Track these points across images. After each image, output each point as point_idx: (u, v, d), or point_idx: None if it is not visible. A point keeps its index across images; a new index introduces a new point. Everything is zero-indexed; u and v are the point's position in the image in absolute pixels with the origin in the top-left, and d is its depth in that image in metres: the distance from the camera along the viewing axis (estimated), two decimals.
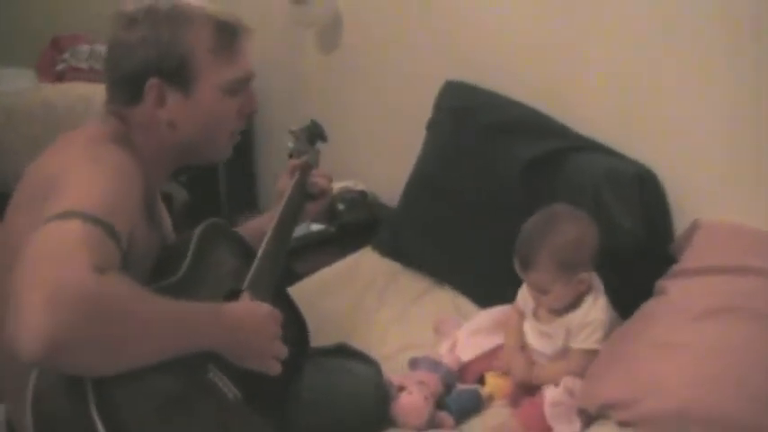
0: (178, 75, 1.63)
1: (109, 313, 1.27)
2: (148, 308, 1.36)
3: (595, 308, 1.99)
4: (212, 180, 3.29)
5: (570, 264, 1.96)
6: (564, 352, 2.02)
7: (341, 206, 2.92)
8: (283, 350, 1.62)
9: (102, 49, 3.34)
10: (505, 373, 2.08)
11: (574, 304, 2.01)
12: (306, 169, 2.03)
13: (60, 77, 3.33)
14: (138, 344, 1.33)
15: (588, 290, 2.01)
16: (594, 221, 2.01)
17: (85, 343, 1.24)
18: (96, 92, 3.10)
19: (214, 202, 3.28)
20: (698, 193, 2.20)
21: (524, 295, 2.12)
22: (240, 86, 1.73)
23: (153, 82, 1.62)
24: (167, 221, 1.87)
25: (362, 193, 3.02)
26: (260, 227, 1.96)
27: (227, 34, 1.69)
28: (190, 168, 1.85)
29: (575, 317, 2.00)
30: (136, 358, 1.33)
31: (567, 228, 1.98)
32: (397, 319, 2.37)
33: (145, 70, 1.62)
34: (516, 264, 2.00)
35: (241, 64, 1.72)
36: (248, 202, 3.56)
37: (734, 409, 1.66)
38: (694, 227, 2.13)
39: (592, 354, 1.97)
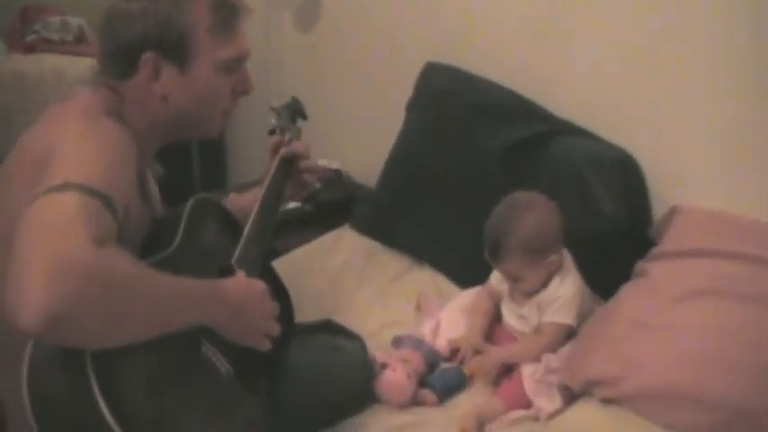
0: (175, 50, 1.61)
1: (109, 286, 1.27)
2: (148, 281, 1.36)
3: (564, 284, 2.03)
4: (185, 155, 3.27)
5: (537, 249, 1.99)
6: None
7: (317, 185, 2.91)
8: (276, 328, 1.63)
9: (73, 21, 3.31)
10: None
11: (544, 284, 2.05)
12: (288, 144, 2.02)
13: (31, 49, 3.27)
14: (137, 317, 1.33)
15: (557, 268, 2.05)
16: (552, 200, 2.05)
17: (85, 315, 1.24)
18: (68, 64, 3.09)
19: (186, 178, 3.27)
20: (676, 179, 2.24)
21: (498, 276, 2.15)
22: (236, 65, 1.71)
23: (149, 56, 1.60)
24: (156, 195, 1.86)
25: (338, 172, 3.02)
26: (244, 203, 1.96)
27: (227, 13, 1.67)
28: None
29: (545, 294, 2.04)
30: (135, 331, 1.33)
31: (527, 216, 2.01)
32: (378, 298, 2.39)
33: (142, 43, 1.60)
34: (486, 255, 2.04)
35: (238, 43, 1.70)
36: (219, 178, 3.55)
37: (716, 387, 1.71)
38: (673, 212, 2.17)
39: (563, 328, 2.01)
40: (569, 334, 2.02)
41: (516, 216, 2.02)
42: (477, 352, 2.07)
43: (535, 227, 1.99)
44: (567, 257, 2.08)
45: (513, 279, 2.05)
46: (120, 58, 1.62)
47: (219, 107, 1.74)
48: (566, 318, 2.02)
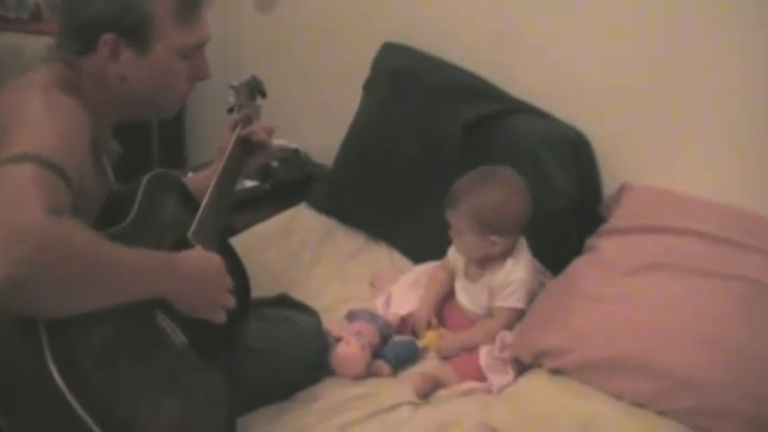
0: (135, 33, 1.61)
1: (64, 254, 1.28)
2: (102, 251, 1.37)
3: (517, 269, 2.07)
4: (144, 134, 3.26)
5: (487, 224, 2.03)
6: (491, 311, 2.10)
7: (275, 163, 2.92)
8: (231, 301, 1.65)
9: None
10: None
11: (496, 266, 2.08)
12: (246, 122, 2.04)
13: None
14: (91, 285, 1.34)
15: (510, 252, 2.08)
16: (531, 194, 2.07)
17: (39, 282, 1.25)
18: (25, 42, 3.07)
19: (145, 157, 3.26)
20: (626, 158, 2.30)
21: (455, 252, 2.19)
22: (195, 51, 1.72)
23: (108, 37, 1.59)
24: (110, 172, 1.87)
25: (296, 152, 3.03)
26: (202, 180, 1.97)
27: None
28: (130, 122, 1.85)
29: (496, 277, 2.08)
30: (90, 300, 1.34)
31: (497, 190, 2.05)
32: (334, 274, 2.41)
33: (102, 24, 1.59)
34: (445, 200, 2.07)
35: (200, 29, 1.70)
36: (179, 157, 3.54)
37: (660, 356, 1.75)
38: (623, 189, 2.23)
39: (515, 312, 2.05)
40: (520, 316, 2.05)
41: (487, 184, 2.06)
42: (428, 326, 2.12)
43: (495, 203, 2.03)
44: (522, 244, 2.11)
45: (454, 232, 2.09)
46: (79, 37, 1.62)
47: (176, 91, 1.75)
48: (517, 302, 2.06)
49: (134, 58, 1.63)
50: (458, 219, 2.06)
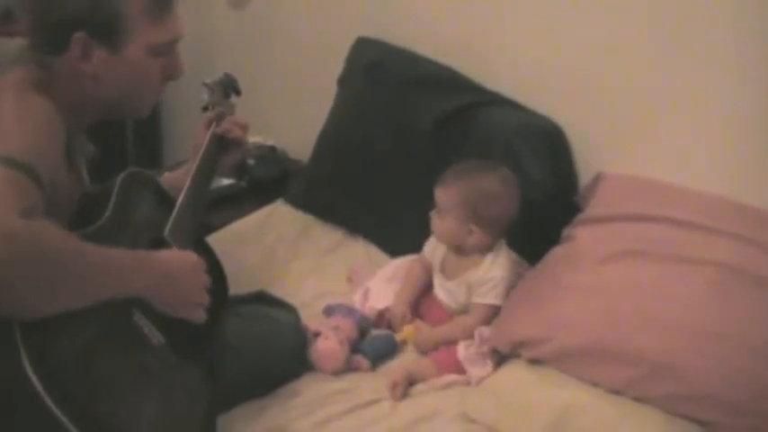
0: (107, 32, 1.61)
1: (36, 255, 1.28)
2: (76, 251, 1.37)
3: (495, 266, 2.08)
4: (120, 135, 3.25)
5: (472, 209, 2.04)
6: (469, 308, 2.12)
7: (251, 161, 2.92)
8: (208, 299, 1.65)
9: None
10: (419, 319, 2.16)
11: (472, 262, 2.10)
12: (221, 119, 2.03)
13: None
14: (66, 286, 1.34)
15: (487, 250, 2.09)
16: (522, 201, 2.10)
17: (13, 284, 1.25)
18: None
19: (121, 158, 3.25)
20: (601, 147, 2.31)
21: (432, 248, 2.20)
22: (168, 49, 1.71)
23: (79, 36, 1.58)
24: (85, 173, 1.86)
25: (272, 149, 3.03)
26: (177, 178, 1.97)
27: None
28: (101, 123, 1.84)
29: (475, 274, 2.09)
30: (65, 301, 1.35)
31: (495, 183, 2.06)
32: (312, 270, 2.41)
33: (73, 23, 1.58)
34: (440, 177, 2.09)
35: (172, 27, 1.70)
36: (154, 157, 3.53)
37: (636, 343, 1.76)
38: (598, 179, 2.24)
39: (492, 309, 2.05)
40: (497, 313, 2.05)
41: (487, 174, 2.07)
42: (403, 320, 2.12)
43: (488, 193, 2.05)
44: (501, 240, 2.13)
45: (437, 210, 2.09)
46: (50, 37, 1.61)
47: (149, 89, 1.75)
48: (495, 299, 2.06)
49: (106, 57, 1.63)
50: (447, 197, 2.07)
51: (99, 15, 1.59)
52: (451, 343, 2.02)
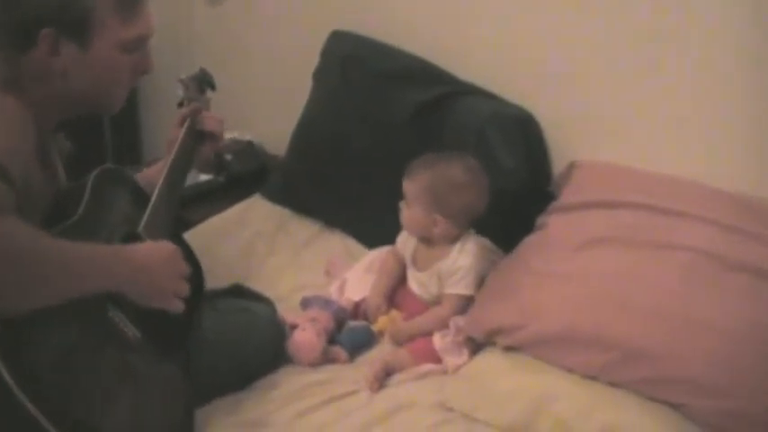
0: (76, 28, 1.60)
1: (9, 253, 1.29)
2: (50, 248, 1.37)
3: (462, 255, 2.09)
4: (97, 132, 3.24)
5: (436, 199, 2.05)
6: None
7: (229, 156, 2.91)
8: (186, 288, 1.65)
9: None
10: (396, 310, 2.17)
11: (442, 253, 2.10)
12: (196, 114, 2.03)
13: None
14: (38, 284, 1.35)
15: (455, 240, 2.10)
16: (491, 190, 2.10)
17: None
18: None
19: (99, 154, 3.25)
20: (574, 136, 2.32)
21: (403, 240, 2.21)
22: (139, 45, 1.70)
23: (47, 32, 1.57)
24: (60, 170, 1.86)
25: (249, 143, 3.02)
26: (153, 174, 1.97)
27: None
28: (77, 119, 1.84)
29: (443, 264, 2.09)
30: (38, 298, 1.35)
31: (459, 173, 2.07)
32: (289, 263, 2.42)
33: (41, 19, 1.57)
34: (407, 168, 2.10)
35: (143, 23, 1.69)
36: (133, 153, 3.52)
37: (610, 328, 1.78)
38: (572, 167, 2.26)
39: (464, 299, 2.07)
40: (470, 302, 2.06)
41: (452, 164, 2.08)
42: (380, 311, 2.13)
43: (453, 182, 2.05)
44: (470, 230, 2.14)
45: (405, 201, 2.11)
46: (18, 33, 1.60)
47: (120, 85, 1.74)
48: (465, 289, 2.07)
49: (75, 53, 1.62)
50: (412, 187, 2.08)
51: (67, 11, 1.58)
52: (427, 334, 2.03)
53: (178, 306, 1.64)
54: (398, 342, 2.07)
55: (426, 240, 2.13)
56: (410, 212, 2.10)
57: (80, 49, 1.62)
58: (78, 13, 1.59)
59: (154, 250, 1.61)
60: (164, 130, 3.24)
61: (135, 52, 1.71)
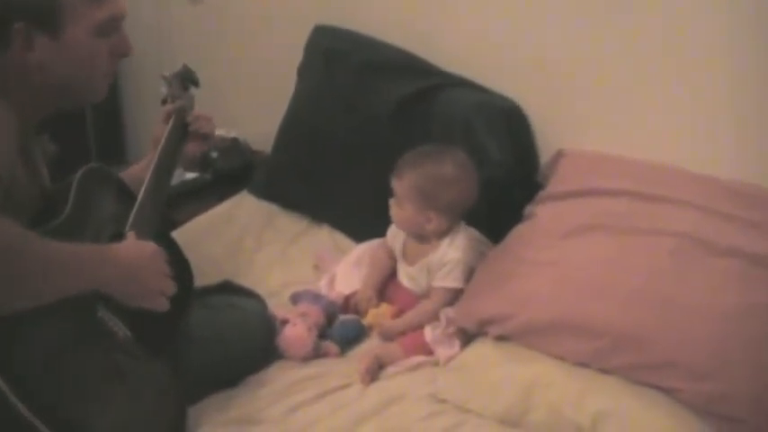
0: (46, 18, 1.58)
1: None
2: (35, 247, 1.37)
3: (452, 248, 2.09)
4: (80, 131, 3.23)
5: (427, 196, 2.05)
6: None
7: (214, 154, 2.91)
8: (171, 286, 1.65)
9: None
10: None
11: (432, 247, 2.11)
12: (181, 111, 2.02)
13: None
14: (24, 284, 1.34)
15: (445, 233, 2.10)
16: (479, 181, 2.10)
17: None
18: None
19: (83, 154, 3.23)
20: (561, 125, 2.33)
21: (393, 234, 2.21)
22: (111, 27, 1.68)
23: (19, 26, 1.56)
24: (44, 171, 1.85)
25: (235, 140, 3.02)
26: (138, 172, 1.96)
27: None
28: (59, 117, 1.82)
29: (433, 258, 2.10)
30: (24, 299, 1.34)
31: (448, 168, 2.07)
32: (278, 259, 2.42)
33: (9, 14, 1.56)
34: (395, 166, 2.09)
35: (111, 3, 1.67)
36: (117, 152, 3.51)
37: (598, 315, 1.78)
38: (558, 156, 2.27)
39: (452, 292, 2.07)
40: (459, 295, 2.06)
41: (440, 159, 2.07)
42: (371, 304, 2.13)
43: (442, 179, 2.05)
44: (461, 226, 2.14)
45: (395, 200, 2.11)
46: None
47: (99, 71, 1.71)
48: (454, 282, 2.07)
49: (49, 44, 1.60)
50: (403, 187, 2.07)
51: (35, 3, 1.57)
52: (417, 328, 2.04)
53: (163, 304, 1.63)
54: (388, 338, 2.06)
55: (417, 235, 2.13)
56: (402, 211, 2.10)
57: (53, 40, 1.60)
58: (46, 2, 1.58)
59: (135, 249, 1.61)
60: (147, 128, 3.23)
61: (110, 35, 1.69)
